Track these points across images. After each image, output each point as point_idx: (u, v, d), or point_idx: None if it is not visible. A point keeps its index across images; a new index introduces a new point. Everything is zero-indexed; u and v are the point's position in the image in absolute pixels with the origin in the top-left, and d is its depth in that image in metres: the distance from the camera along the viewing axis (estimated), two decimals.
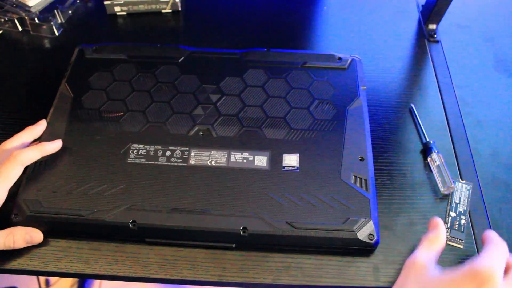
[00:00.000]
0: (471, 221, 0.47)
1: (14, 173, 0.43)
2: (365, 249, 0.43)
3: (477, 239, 0.45)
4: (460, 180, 0.49)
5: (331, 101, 0.52)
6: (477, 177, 0.50)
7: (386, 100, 0.58)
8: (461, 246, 0.45)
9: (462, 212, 0.47)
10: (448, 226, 0.46)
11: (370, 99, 0.56)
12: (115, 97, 0.52)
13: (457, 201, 0.48)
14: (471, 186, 0.49)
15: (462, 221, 0.46)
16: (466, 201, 0.48)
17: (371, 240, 0.42)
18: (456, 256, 0.44)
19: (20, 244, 0.43)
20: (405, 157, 0.52)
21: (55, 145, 0.47)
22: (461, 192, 0.48)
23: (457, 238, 0.45)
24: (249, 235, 0.42)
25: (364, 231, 0.42)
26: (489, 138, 0.54)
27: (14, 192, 0.46)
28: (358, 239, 0.42)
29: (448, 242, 0.45)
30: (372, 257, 0.44)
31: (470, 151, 0.52)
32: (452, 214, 0.47)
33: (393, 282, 0.43)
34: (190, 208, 0.43)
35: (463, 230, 0.46)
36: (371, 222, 0.43)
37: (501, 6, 0.72)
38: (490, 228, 0.46)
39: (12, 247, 0.42)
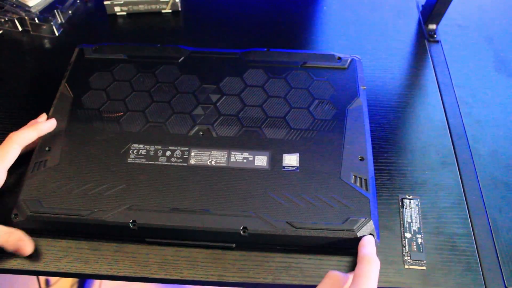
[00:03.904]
0: (471, 221, 0.47)
1: (11, 153, 0.43)
2: None
3: (477, 240, 0.45)
4: (407, 196, 0.48)
5: (331, 101, 0.52)
6: (477, 177, 0.50)
7: (386, 100, 0.58)
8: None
9: (417, 230, 0.45)
10: (407, 250, 0.44)
11: (370, 99, 0.56)
12: (115, 97, 0.52)
13: (409, 220, 0.46)
14: (418, 200, 0.48)
15: (419, 241, 0.45)
16: (418, 217, 0.46)
17: None
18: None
19: (9, 246, 0.42)
20: (405, 157, 0.52)
21: (49, 124, 0.48)
22: (411, 209, 0.47)
23: (418, 260, 0.43)
24: (249, 235, 0.42)
25: (364, 231, 0.42)
26: (489, 138, 0.54)
27: (14, 192, 0.46)
28: (358, 238, 0.42)
29: (411, 267, 0.43)
30: None
31: (470, 151, 0.53)
32: (408, 235, 0.45)
33: (393, 282, 0.43)
34: (190, 208, 0.43)
35: (422, 249, 0.44)
36: (371, 222, 0.43)
37: (501, 6, 0.72)
38: (490, 228, 0.46)
39: (1, 246, 0.42)
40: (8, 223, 0.44)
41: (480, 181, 0.50)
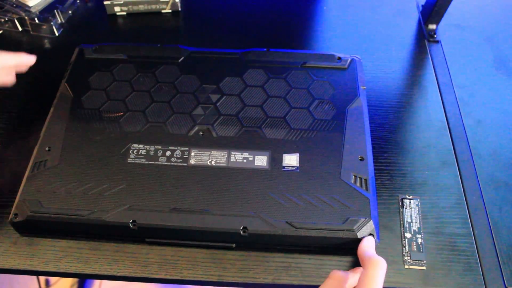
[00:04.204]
0: (471, 221, 0.47)
1: None
2: None
3: (477, 240, 0.45)
4: (407, 196, 0.48)
5: (331, 101, 0.52)
6: (477, 177, 0.50)
7: (386, 100, 0.58)
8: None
9: (417, 230, 0.45)
10: (407, 250, 0.44)
11: (370, 99, 0.56)
12: (115, 97, 0.52)
13: (409, 220, 0.46)
14: (418, 200, 0.48)
15: (419, 241, 0.45)
16: (418, 217, 0.46)
17: None
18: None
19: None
20: (405, 157, 0.52)
21: (30, 57, 0.51)
22: (411, 209, 0.47)
23: (418, 260, 0.43)
24: (249, 235, 0.42)
25: (364, 231, 0.42)
26: (489, 138, 0.54)
27: (14, 192, 0.46)
28: (358, 238, 0.42)
29: (411, 267, 0.43)
30: None
31: (470, 151, 0.53)
32: (408, 235, 0.45)
33: (393, 282, 0.43)
34: (190, 208, 0.43)
35: (422, 250, 0.44)
36: (371, 222, 0.43)
37: (501, 6, 0.72)
38: (490, 228, 0.46)
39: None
40: (8, 223, 0.44)
41: (480, 181, 0.50)
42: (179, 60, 0.56)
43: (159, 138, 0.49)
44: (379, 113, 0.56)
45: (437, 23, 0.66)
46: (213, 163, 0.47)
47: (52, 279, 0.96)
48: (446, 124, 0.55)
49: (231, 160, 0.47)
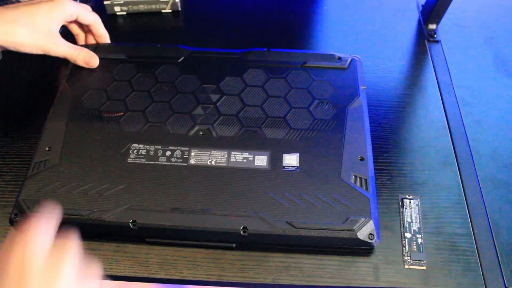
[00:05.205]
0: (471, 221, 0.47)
1: (60, 13, 0.52)
2: (365, 249, 0.43)
3: (477, 240, 0.45)
4: (407, 196, 0.48)
5: (331, 101, 0.52)
6: (477, 177, 0.50)
7: (386, 100, 0.58)
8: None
9: (417, 230, 0.45)
10: (407, 249, 0.44)
11: (370, 99, 0.56)
12: (115, 97, 0.52)
13: (409, 220, 0.46)
14: (419, 200, 0.48)
15: (419, 240, 0.45)
16: (418, 217, 0.46)
17: (371, 239, 0.42)
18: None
19: (79, 62, 0.54)
20: (405, 157, 0.52)
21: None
22: (411, 209, 0.47)
23: (418, 260, 0.43)
24: (249, 235, 0.42)
25: (364, 231, 0.42)
26: (489, 138, 0.54)
27: (14, 192, 0.46)
28: (358, 238, 0.42)
29: (411, 267, 0.43)
30: (372, 257, 0.44)
31: (470, 151, 0.53)
32: (408, 235, 0.45)
33: (393, 282, 0.43)
34: (190, 208, 0.43)
35: (422, 249, 0.44)
36: (371, 222, 0.43)
37: (501, 6, 0.72)
38: (490, 228, 0.46)
39: (73, 61, 0.54)
40: (8, 223, 0.44)
41: (480, 181, 0.50)
42: (179, 60, 0.56)
43: (159, 138, 0.49)
44: (379, 113, 0.56)
45: (437, 23, 0.66)
46: (213, 163, 0.47)
47: None
48: (446, 124, 0.55)
49: (231, 160, 0.47)
